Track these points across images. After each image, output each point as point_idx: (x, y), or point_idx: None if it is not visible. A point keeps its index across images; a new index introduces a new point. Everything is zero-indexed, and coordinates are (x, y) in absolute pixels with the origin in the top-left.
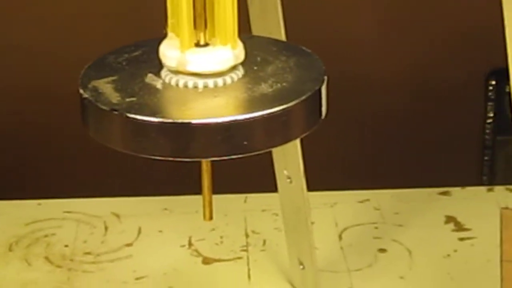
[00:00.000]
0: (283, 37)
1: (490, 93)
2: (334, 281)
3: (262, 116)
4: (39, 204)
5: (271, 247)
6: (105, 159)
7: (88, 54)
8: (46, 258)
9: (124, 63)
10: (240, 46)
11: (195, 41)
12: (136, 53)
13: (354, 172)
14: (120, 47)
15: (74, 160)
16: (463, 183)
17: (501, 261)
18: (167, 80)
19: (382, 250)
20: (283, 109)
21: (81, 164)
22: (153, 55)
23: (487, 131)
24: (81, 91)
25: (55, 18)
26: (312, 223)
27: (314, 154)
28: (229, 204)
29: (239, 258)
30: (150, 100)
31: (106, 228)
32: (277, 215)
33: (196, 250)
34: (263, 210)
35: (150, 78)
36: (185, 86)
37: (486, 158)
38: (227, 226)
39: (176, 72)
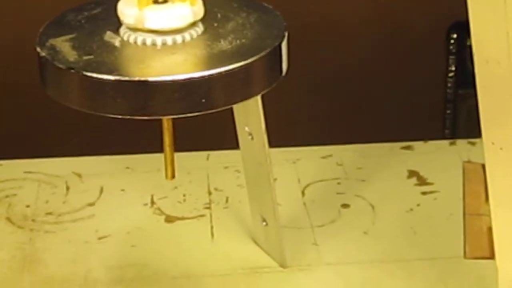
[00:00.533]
0: None
1: (451, 47)
2: (298, 237)
3: (220, 73)
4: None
5: (234, 204)
6: (65, 118)
7: (48, 12)
8: (8, 219)
9: (83, 21)
10: (199, 2)
11: None
12: (96, 11)
13: (316, 127)
14: (80, 4)
15: (34, 119)
16: (425, 137)
17: (464, 214)
18: (125, 38)
19: (345, 206)
20: (242, 66)
21: (41, 123)
22: (112, 13)
23: (449, 84)
24: (38, 49)
25: None
26: (275, 179)
27: (276, 110)
28: (191, 161)
29: (202, 215)
30: (107, 58)
31: (67, 188)
32: (239, 172)
33: (159, 209)
34: (226, 167)
35: (108, 36)
36: (144, 43)
37: (448, 112)
38: (190, 183)
39: (135, 30)
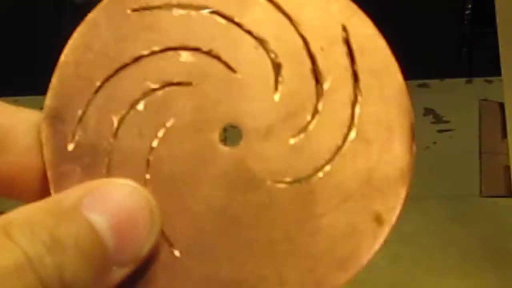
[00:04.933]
0: None
1: None
2: None
3: None
4: (15, 101)
5: None
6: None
7: None
8: None
9: None
10: None
11: None
12: None
13: None
14: None
15: (50, 55)
16: (442, 75)
17: (480, 153)
18: None
19: None
20: None
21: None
22: None
23: (466, 22)
24: None
25: None
26: None
27: None
28: None
29: None
30: None
31: None
32: None
33: None
34: None
35: None
36: None
37: (464, 49)
38: None
39: None
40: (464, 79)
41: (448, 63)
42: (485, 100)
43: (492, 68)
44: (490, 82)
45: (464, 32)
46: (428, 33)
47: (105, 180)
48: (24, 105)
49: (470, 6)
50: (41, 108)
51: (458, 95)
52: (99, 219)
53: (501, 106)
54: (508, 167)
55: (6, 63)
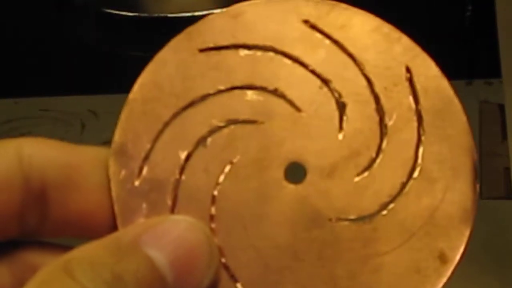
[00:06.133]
0: None
1: None
2: None
3: None
4: (16, 102)
5: None
6: (81, 56)
7: None
8: None
9: None
10: None
11: None
12: None
13: None
14: None
15: (49, 56)
16: None
17: (480, 154)
18: None
19: None
20: None
21: (57, 60)
22: None
23: (466, 24)
24: None
25: None
26: None
27: None
28: None
29: None
30: None
31: (83, 126)
32: None
33: None
34: None
35: None
36: None
37: (464, 51)
38: None
39: None
40: (464, 81)
41: (448, 65)
42: (485, 102)
43: (492, 70)
44: (490, 84)
45: (464, 34)
46: (427, 35)
47: (162, 217)
48: (23, 106)
49: (470, 7)
50: (40, 110)
51: (458, 96)
52: (158, 255)
53: (501, 108)
54: (508, 169)
55: (6, 64)
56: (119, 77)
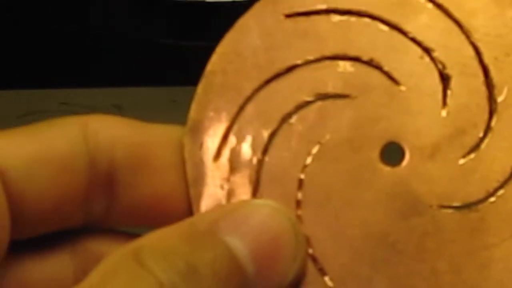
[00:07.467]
0: None
1: None
2: None
3: None
4: (32, 94)
5: None
6: (105, 46)
7: None
8: None
9: None
10: None
11: None
12: None
13: None
14: None
15: (71, 47)
16: None
17: None
18: None
19: None
20: None
21: (78, 51)
22: None
23: None
24: None
25: None
26: None
27: None
28: None
29: None
30: None
31: None
32: None
33: None
34: None
35: None
36: None
37: None
38: None
39: None
40: None
41: None
42: None
43: None
44: None
45: None
46: None
47: (243, 202)
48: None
49: None
50: (60, 103)
51: None
52: (238, 244)
53: None
54: None
55: (23, 51)
56: (147, 68)
